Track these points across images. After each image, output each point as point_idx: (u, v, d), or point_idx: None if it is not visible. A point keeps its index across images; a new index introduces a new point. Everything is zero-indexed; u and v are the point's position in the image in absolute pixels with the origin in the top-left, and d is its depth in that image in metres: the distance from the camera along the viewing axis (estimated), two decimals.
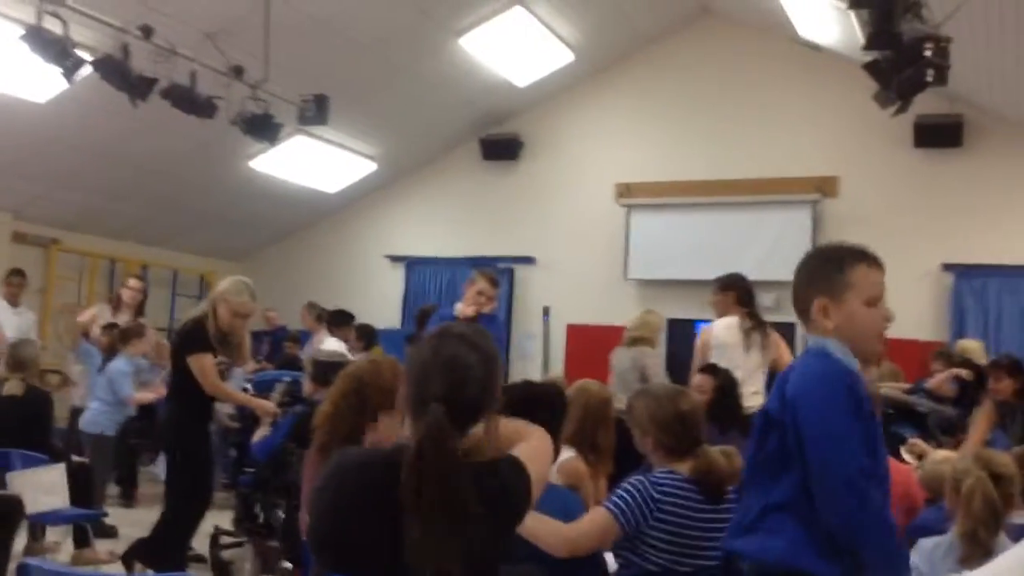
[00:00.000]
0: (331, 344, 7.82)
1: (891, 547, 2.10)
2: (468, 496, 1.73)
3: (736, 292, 5.87)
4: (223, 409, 7.02)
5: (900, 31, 5.00)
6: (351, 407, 3.09)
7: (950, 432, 6.17)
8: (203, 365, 4.83)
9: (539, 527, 2.54)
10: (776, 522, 2.14)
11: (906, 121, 8.06)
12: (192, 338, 4.91)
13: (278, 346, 9.47)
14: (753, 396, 5.30)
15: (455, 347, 1.89)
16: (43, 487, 4.62)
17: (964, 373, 6.52)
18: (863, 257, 2.24)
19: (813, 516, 2.08)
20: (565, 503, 2.71)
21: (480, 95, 10.33)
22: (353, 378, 3.16)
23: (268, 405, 5.40)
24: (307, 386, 5.05)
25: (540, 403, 2.83)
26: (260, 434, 5.18)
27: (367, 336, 8.26)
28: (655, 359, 6.48)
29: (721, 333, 5.70)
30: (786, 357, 5.60)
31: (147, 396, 6.81)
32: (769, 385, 5.08)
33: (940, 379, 6.59)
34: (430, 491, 1.72)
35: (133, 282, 7.46)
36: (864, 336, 2.23)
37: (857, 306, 2.21)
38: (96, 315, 7.40)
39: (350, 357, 6.40)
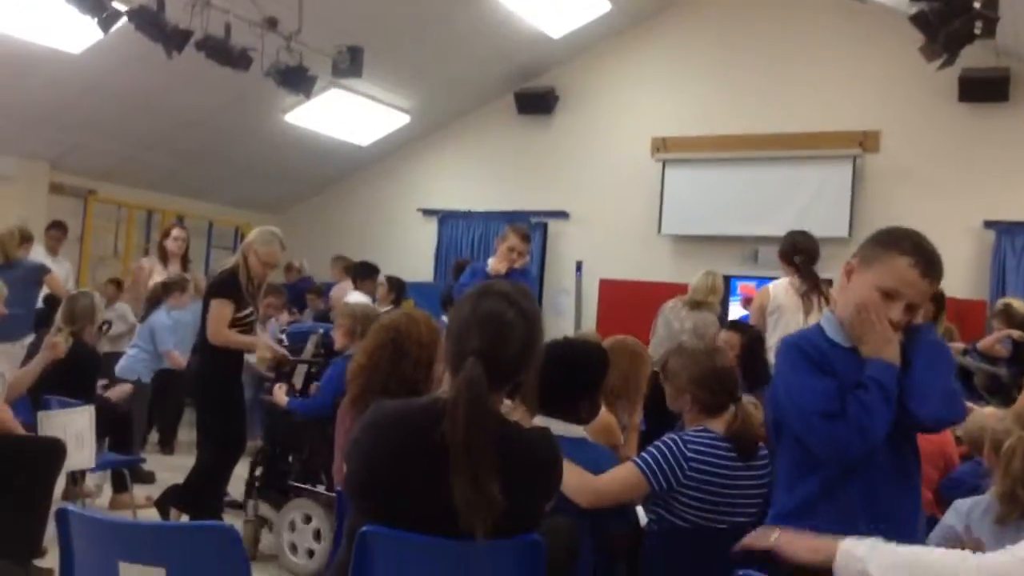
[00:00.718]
0: (355, 297, 7.82)
1: (872, 411, 2.05)
2: (493, 453, 1.74)
3: (783, 249, 5.50)
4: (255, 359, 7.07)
5: None
6: (388, 359, 3.09)
7: (999, 392, 6.09)
8: (219, 311, 4.87)
9: (568, 475, 2.55)
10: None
11: (951, 74, 7.86)
12: (221, 285, 4.98)
13: (301, 297, 9.49)
14: None
15: (495, 304, 1.89)
16: (72, 438, 4.64)
17: (1016, 334, 6.42)
18: (912, 253, 2.11)
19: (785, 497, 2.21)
20: (598, 460, 2.70)
21: (515, 47, 10.21)
22: (389, 330, 3.15)
23: (267, 344, 5.38)
24: (340, 339, 5.02)
25: (581, 360, 2.81)
26: (283, 390, 5.06)
27: (398, 289, 8.25)
28: (716, 328, 6.07)
29: (779, 294, 5.38)
30: None
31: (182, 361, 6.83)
32: None
33: (992, 339, 6.52)
34: (462, 445, 1.74)
35: (176, 231, 7.54)
36: (850, 315, 2.14)
37: (867, 284, 2.13)
38: (151, 268, 7.47)
39: (378, 310, 6.39)
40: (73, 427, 4.68)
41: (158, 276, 7.26)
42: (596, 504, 2.63)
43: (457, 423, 1.75)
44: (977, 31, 4.99)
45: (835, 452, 2.07)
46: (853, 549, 1.79)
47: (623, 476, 2.68)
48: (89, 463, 4.87)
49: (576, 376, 2.74)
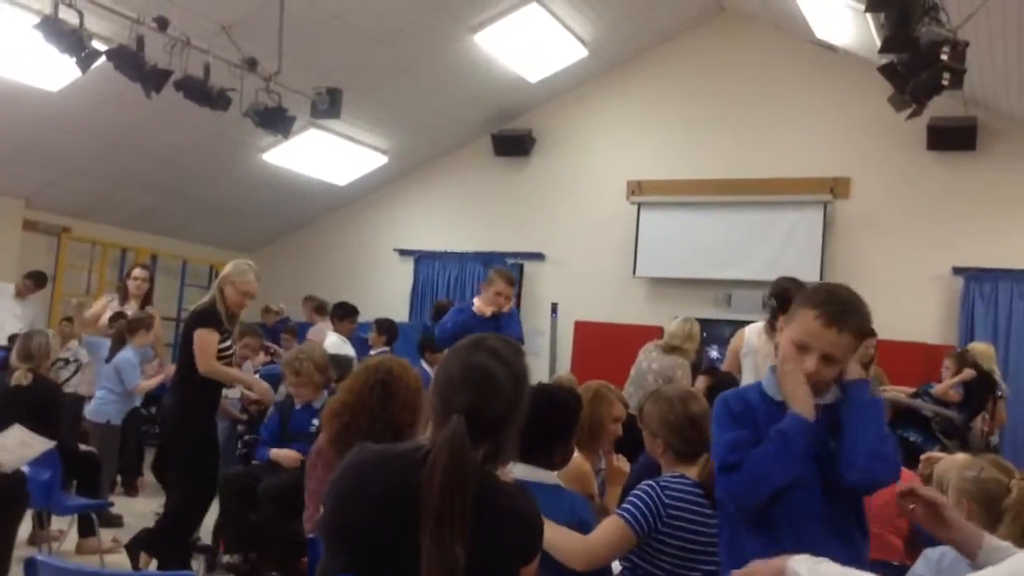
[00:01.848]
0: (332, 339, 7.74)
1: (769, 461, 2.09)
2: (465, 516, 1.73)
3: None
4: (230, 399, 7.00)
5: (917, 34, 4.97)
6: (378, 399, 3.03)
7: (954, 436, 6.24)
8: (206, 341, 4.82)
9: (556, 538, 2.53)
10: None
11: (920, 123, 8.01)
12: (203, 316, 4.92)
13: (276, 338, 9.41)
14: None
15: (486, 359, 1.88)
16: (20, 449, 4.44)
17: (968, 374, 6.65)
18: (818, 305, 2.14)
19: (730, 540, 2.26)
20: (572, 507, 2.70)
21: (493, 91, 10.32)
22: (379, 371, 3.10)
23: (264, 385, 5.41)
24: (309, 395, 4.92)
25: (558, 407, 2.81)
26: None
27: (388, 331, 8.14)
28: (686, 370, 6.26)
29: (752, 337, 5.39)
30: None
31: (152, 382, 6.83)
32: None
33: (945, 386, 6.75)
34: (436, 505, 1.72)
35: (138, 271, 7.45)
36: (779, 367, 2.22)
37: (786, 339, 2.19)
38: (105, 305, 7.42)
39: (337, 353, 6.32)
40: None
41: (110, 311, 7.20)
42: (591, 566, 2.60)
43: (433, 483, 1.74)
44: (945, 83, 5.09)
45: (734, 502, 2.15)
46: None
47: (611, 531, 2.65)
48: (47, 444, 4.63)
49: (552, 423, 2.74)
